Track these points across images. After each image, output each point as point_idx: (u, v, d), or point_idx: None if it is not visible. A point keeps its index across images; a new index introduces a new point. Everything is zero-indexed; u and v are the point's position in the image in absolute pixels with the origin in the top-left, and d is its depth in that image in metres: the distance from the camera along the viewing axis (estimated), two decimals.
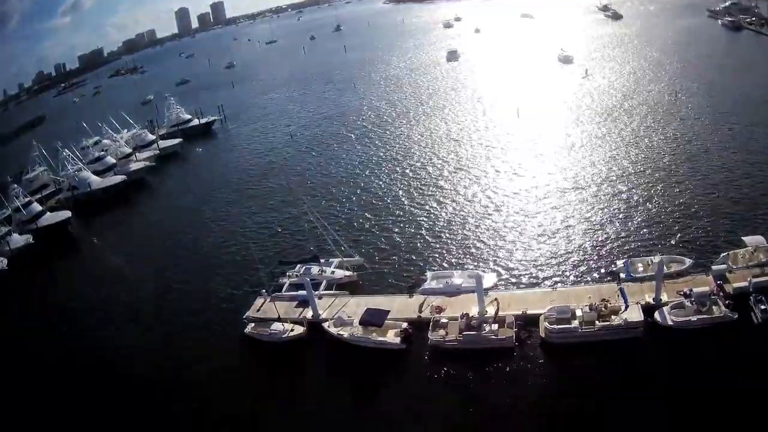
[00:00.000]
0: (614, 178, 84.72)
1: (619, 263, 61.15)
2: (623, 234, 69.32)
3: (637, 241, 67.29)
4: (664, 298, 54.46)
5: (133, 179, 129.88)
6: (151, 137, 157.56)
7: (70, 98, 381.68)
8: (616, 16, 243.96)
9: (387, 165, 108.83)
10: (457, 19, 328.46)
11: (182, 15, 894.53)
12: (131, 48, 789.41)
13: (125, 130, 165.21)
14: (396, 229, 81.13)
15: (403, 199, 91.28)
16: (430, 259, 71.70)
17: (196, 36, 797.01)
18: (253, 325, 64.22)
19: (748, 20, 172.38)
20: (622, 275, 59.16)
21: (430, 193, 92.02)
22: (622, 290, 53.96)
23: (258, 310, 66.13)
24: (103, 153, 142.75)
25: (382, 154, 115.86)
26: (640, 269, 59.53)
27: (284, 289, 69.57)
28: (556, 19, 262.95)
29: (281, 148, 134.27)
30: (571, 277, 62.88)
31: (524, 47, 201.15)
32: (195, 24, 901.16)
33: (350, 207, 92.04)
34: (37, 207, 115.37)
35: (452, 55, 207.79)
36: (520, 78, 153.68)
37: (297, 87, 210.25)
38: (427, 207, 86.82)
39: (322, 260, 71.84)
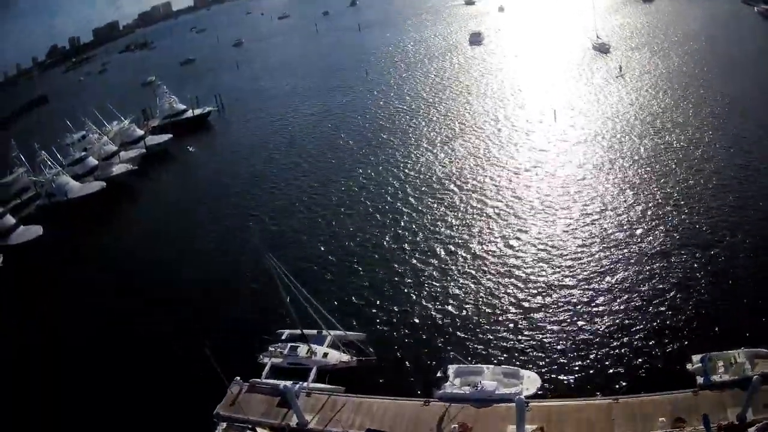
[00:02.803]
0: (681, 228, 64.65)
1: (696, 359, 44.44)
2: (698, 313, 51.82)
3: (716, 324, 50.03)
4: (750, 415, 38.86)
5: (115, 183, 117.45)
6: (140, 133, 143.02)
7: (78, 75, 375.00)
8: None
9: (392, 193, 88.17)
10: None
11: None
12: (146, 21, 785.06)
13: (115, 122, 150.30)
14: (405, 296, 62.34)
15: (414, 252, 70.66)
16: (452, 343, 54.04)
17: (212, 8, 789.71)
18: (224, 425, 48.52)
19: None
20: (700, 379, 42.86)
21: (451, 243, 70.94)
22: (705, 419, 38.69)
23: (232, 404, 50.32)
24: (84, 153, 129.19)
25: (386, 175, 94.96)
26: (721, 369, 43.01)
27: (265, 373, 53.66)
28: None
29: (277, 155, 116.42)
30: (637, 378, 46.44)
31: (554, 30, 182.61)
32: None
33: (344, 258, 72.23)
34: (10, 220, 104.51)
35: (475, 38, 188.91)
36: (553, 69, 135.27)
37: (304, 72, 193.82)
38: (447, 266, 66.38)
39: (315, 331, 55.52)
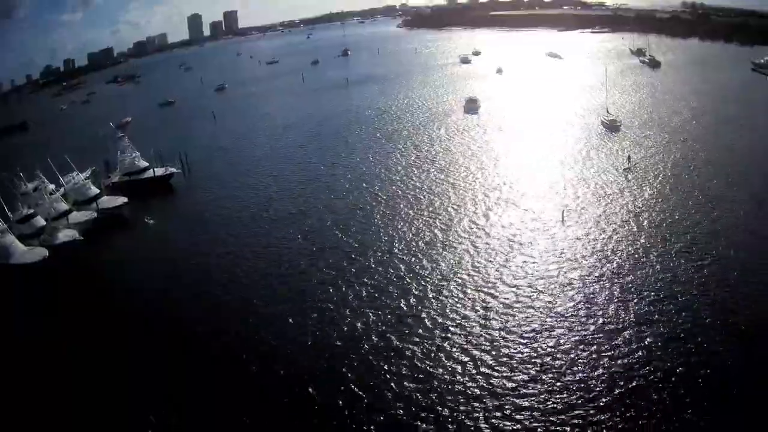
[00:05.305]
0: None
1: None
2: None
3: None
4: None
5: (60, 251, 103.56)
6: (94, 191, 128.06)
7: (64, 102, 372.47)
8: (654, 64, 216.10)
9: (352, 330, 66.29)
10: (476, 54, 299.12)
11: (194, 22, 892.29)
12: (140, 51, 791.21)
13: (74, 173, 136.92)
14: None
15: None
16: None
17: (205, 45, 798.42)
18: None
19: None
20: None
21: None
22: None
23: None
24: (32, 211, 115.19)
25: (346, 302, 72.43)
26: None
27: None
28: (587, 63, 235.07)
29: (231, 248, 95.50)
30: None
31: (557, 99, 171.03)
32: (207, 32, 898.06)
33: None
34: None
35: (470, 105, 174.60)
36: (557, 152, 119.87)
37: (281, 132, 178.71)
38: None
39: None
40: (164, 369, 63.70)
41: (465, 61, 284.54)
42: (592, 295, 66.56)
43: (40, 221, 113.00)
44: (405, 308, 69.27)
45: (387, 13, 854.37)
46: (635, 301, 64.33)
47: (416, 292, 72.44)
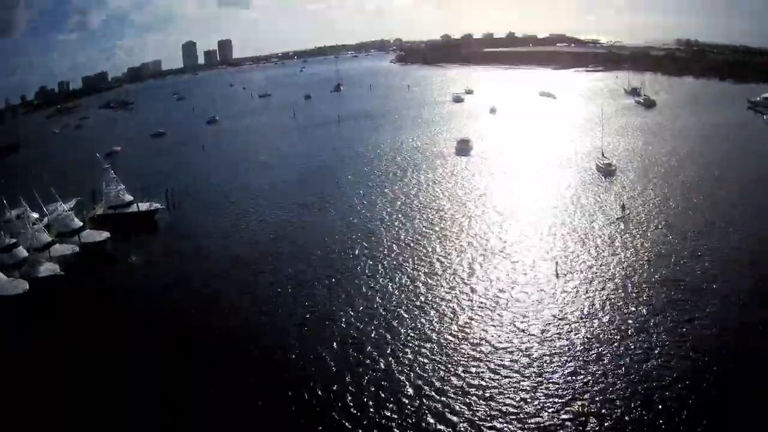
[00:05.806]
0: None
1: None
2: None
3: None
4: None
5: (40, 284, 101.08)
6: (77, 224, 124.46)
7: (57, 124, 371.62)
8: (649, 103, 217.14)
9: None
10: (469, 92, 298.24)
11: (189, 50, 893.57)
12: (134, 77, 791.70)
13: (59, 203, 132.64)
14: None
15: None
16: None
17: (199, 74, 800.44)
18: None
19: None
20: None
21: None
22: None
23: None
24: (14, 241, 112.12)
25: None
26: None
27: None
28: (581, 103, 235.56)
29: (220, 280, 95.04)
30: None
31: (551, 141, 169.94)
32: (201, 60, 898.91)
33: None
34: None
35: (463, 146, 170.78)
36: (550, 198, 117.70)
37: (268, 170, 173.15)
38: None
39: None
40: (149, 401, 62.35)
41: (458, 99, 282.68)
42: (586, 361, 62.60)
43: (23, 252, 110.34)
44: (383, 367, 65.79)
45: (381, 48, 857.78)
46: (635, 368, 60.53)
47: (396, 352, 68.63)
